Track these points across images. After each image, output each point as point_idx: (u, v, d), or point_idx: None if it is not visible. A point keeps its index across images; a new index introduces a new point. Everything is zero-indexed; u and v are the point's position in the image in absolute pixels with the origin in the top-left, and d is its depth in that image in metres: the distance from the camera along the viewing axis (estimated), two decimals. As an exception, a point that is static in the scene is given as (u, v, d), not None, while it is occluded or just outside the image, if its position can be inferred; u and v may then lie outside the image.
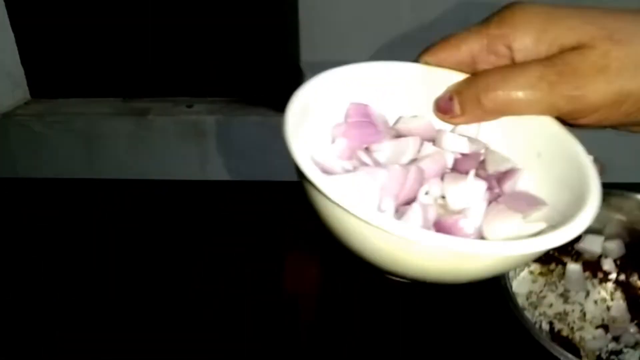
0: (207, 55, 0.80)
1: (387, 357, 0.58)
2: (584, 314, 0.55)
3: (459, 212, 0.30)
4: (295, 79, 0.74)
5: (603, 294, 0.56)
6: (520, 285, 0.56)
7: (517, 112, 0.30)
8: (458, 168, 0.33)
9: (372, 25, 0.71)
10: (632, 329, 0.54)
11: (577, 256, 0.57)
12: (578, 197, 0.28)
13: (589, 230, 0.56)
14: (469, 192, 0.31)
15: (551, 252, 0.57)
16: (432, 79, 0.33)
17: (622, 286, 0.56)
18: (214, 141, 0.80)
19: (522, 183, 0.32)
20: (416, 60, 0.33)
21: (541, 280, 0.57)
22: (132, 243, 0.71)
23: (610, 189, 0.53)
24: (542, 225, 0.29)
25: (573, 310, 0.55)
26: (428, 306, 0.61)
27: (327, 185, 0.26)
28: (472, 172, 0.31)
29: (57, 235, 0.73)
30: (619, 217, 0.54)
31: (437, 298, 0.61)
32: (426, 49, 0.33)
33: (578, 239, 0.56)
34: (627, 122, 0.30)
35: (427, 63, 0.33)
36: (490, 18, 0.31)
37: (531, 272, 0.57)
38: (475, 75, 0.31)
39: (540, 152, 0.32)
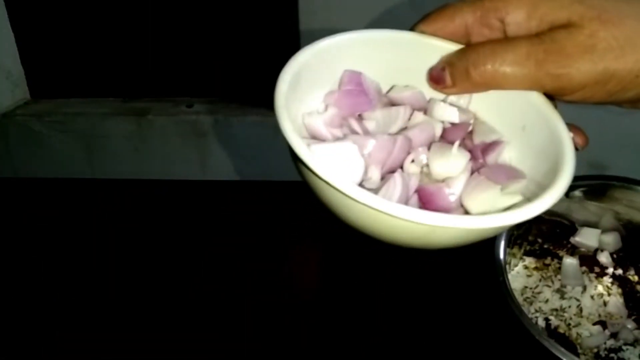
0: (207, 55, 0.80)
1: (388, 355, 0.58)
2: (581, 310, 0.54)
3: (442, 181, 0.32)
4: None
5: (600, 289, 0.55)
6: (515, 280, 0.55)
7: (504, 86, 0.31)
8: (446, 137, 0.34)
9: (371, 26, 0.71)
10: (630, 324, 0.53)
11: (572, 250, 0.56)
12: (554, 172, 0.29)
13: (585, 224, 0.55)
14: (453, 163, 0.32)
15: (546, 246, 0.57)
16: (427, 48, 0.34)
17: (619, 281, 0.55)
18: (214, 141, 0.80)
19: (505, 154, 0.33)
20: (412, 29, 0.34)
21: (536, 275, 0.56)
22: (132, 243, 0.71)
23: (610, 181, 0.53)
24: (518, 198, 0.31)
25: (570, 306, 0.54)
26: (426, 304, 0.61)
27: (312, 158, 0.27)
28: (456, 143, 0.32)
29: (57, 235, 0.73)
30: (617, 209, 0.54)
31: (436, 296, 0.61)
32: (422, 19, 0.34)
33: (574, 232, 0.55)
34: (611, 101, 0.31)
35: (422, 32, 0.34)
36: None
37: (526, 267, 0.56)
38: (467, 47, 0.32)
39: (524, 125, 0.33)
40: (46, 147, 0.82)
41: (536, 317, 0.53)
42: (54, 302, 0.65)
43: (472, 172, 0.32)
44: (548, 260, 0.57)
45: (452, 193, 0.31)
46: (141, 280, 0.67)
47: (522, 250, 0.57)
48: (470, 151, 0.33)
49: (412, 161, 0.32)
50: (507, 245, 0.49)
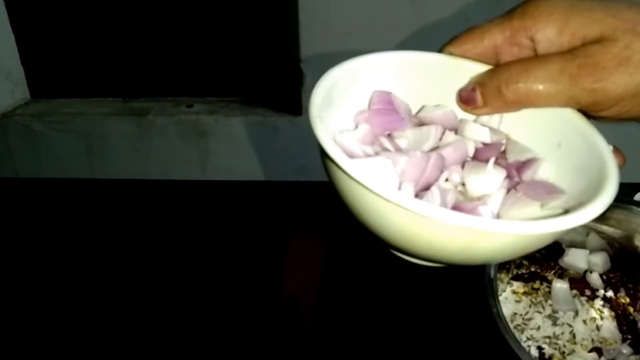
0: (207, 55, 0.80)
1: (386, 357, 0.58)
2: (574, 336, 0.52)
3: (478, 198, 0.31)
4: (295, 79, 0.74)
5: (592, 313, 0.53)
6: (504, 306, 0.52)
7: (538, 104, 0.30)
8: (479, 157, 0.33)
9: (370, 24, 0.71)
10: (625, 349, 0.51)
11: (561, 272, 0.54)
12: (596, 184, 0.28)
13: (572, 244, 0.53)
14: (489, 179, 0.31)
15: (534, 269, 0.55)
16: (456, 69, 0.33)
17: (610, 303, 0.53)
18: (214, 141, 0.80)
19: (541, 172, 0.32)
20: (440, 51, 0.34)
21: (526, 300, 0.54)
22: (131, 243, 0.71)
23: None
24: (559, 212, 0.30)
25: (562, 333, 0.52)
26: (419, 335, 0.59)
27: (350, 164, 0.26)
28: (491, 161, 0.31)
29: (57, 235, 0.72)
30: (601, 227, 0.52)
31: (428, 328, 0.59)
32: (450, 40, 0.33)
33: (561, 253, 0.53)
34: None
35: (451, 54, 0.33)
36: (513, 10, 0.31)
37: (514, 292, 0.54)
38: (498, 67, 0.32)
39: (560, 142, 0.32)
40: (46, 147, 0.82)
41: (529, 347, 0.51)
42: (54, 302, 0.65)
43: (508, 190, 0.31)
44: (537, 284, 0.54)
45: (489, 210, 0.30)
46: (141, 280, 0.67)
47: (509, 275, 0.54)
48: (505, 169, 0.32)
49: (446, 180, 0.31)
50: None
